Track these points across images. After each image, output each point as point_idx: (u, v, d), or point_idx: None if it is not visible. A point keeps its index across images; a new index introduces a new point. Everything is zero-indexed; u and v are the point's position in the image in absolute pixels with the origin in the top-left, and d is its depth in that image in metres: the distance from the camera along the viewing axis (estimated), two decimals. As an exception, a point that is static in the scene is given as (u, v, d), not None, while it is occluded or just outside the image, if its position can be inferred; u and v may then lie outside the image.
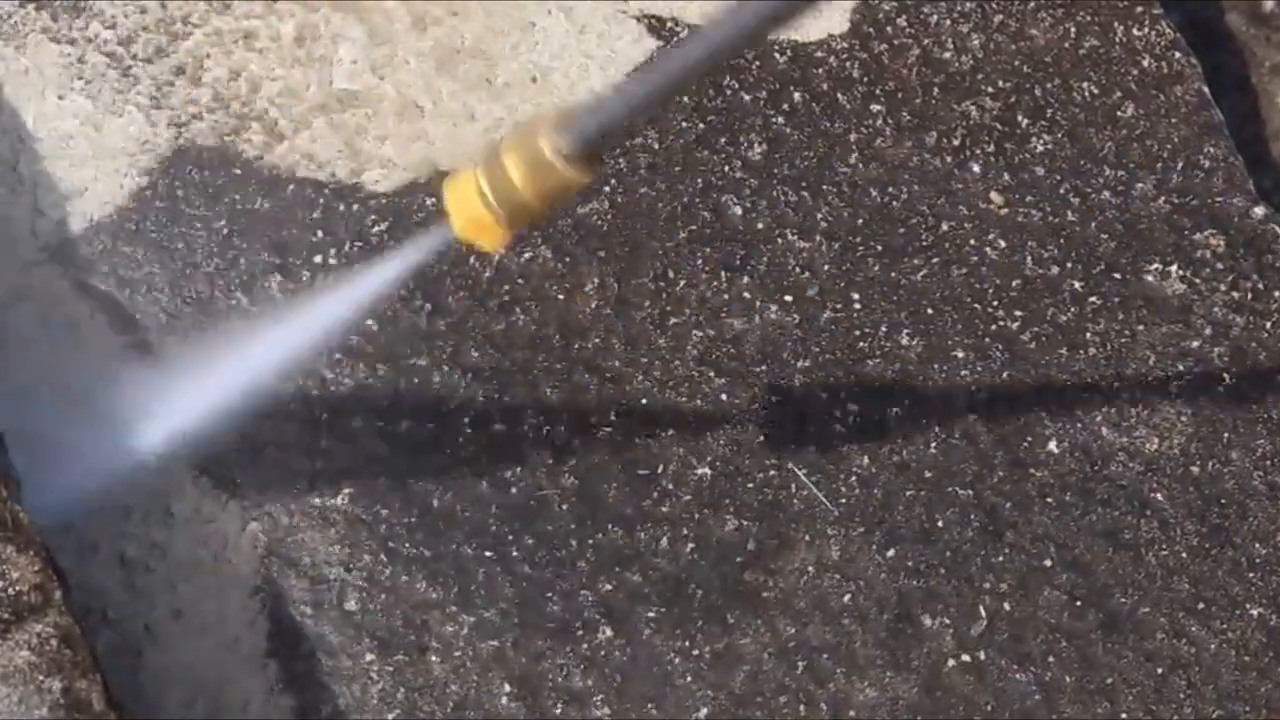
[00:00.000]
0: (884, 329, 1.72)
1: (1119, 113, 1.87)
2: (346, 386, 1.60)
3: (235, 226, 1.69)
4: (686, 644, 1.56)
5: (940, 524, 1.63)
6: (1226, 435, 1.70)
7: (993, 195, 1.80)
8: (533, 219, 1.23)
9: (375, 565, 1.54)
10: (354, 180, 1.74)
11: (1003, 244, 1.78)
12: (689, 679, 1.52)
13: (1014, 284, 1.76)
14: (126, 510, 1.57)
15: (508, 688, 1.50)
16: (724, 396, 1.67)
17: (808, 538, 1.61)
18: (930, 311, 1.73)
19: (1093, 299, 1.76)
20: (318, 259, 1.69)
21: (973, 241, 1.78)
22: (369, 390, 1.61)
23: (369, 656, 1.51)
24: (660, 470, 1.63)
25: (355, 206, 1.70)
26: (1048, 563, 1.62)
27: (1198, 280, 1.77)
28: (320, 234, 1.68)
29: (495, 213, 1.20)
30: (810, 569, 1.60)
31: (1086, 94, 1.88)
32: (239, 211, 1.70)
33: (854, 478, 1.64)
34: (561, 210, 1.30)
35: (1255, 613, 1.61)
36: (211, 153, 1.73)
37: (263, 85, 1.77)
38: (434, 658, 1.50)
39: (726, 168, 1.79)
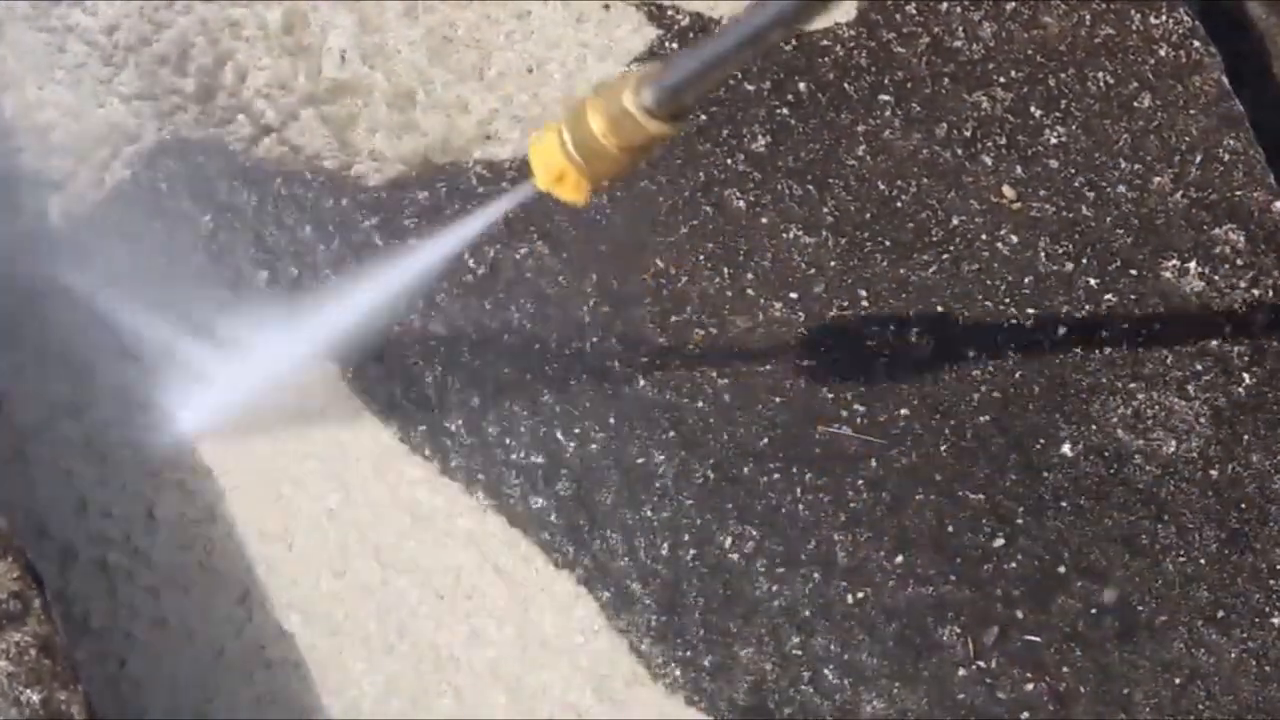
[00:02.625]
0: (892, 327, 1.69)
1: (1135, 104, 1.83)
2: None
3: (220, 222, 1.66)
4: (689, 654, 1.52)
5: (951, 529, 1.59)
6: (1247, 437, 1.65)
7: (1005, 189, 1.76)
8: (614, 171, 1.26)
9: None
10: (344, 173, 1.70)
11: (1015, 239, 1.74)
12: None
13: (1026, 281, 1.72)
14: (106, 511, 1.54)
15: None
16: (726, 397, 1.63)
17: (813, 544, 1.57)
18: (940, 309, 1.70)
19: (1108, 296, 1.72)
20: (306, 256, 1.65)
21: (984, 237, 1.74)
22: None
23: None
24: (661, 472, 1.59)
25: (344, 200, 1.67)
26: (1062, 569, 1.58)
27: (1217, 277, 1.73)
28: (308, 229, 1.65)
29: (577, 164, 1.24)
30: (816, 575, 1.56)
31: (1101, 84, 1.84)
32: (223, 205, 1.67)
33: (861, 481, 1.60)
34: (642, 163, 1.33)
35: (1277, 621, 1.57)
36: (197, 145, 1.69)
37: (249, 75, 1.73)
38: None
39: (729, 160, 1.75)
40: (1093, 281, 1.72)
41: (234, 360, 1.54)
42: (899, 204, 1.75)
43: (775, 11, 1.13)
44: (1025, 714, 1.51)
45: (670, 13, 1.81)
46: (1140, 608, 1.57)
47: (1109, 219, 1.76)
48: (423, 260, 1.55)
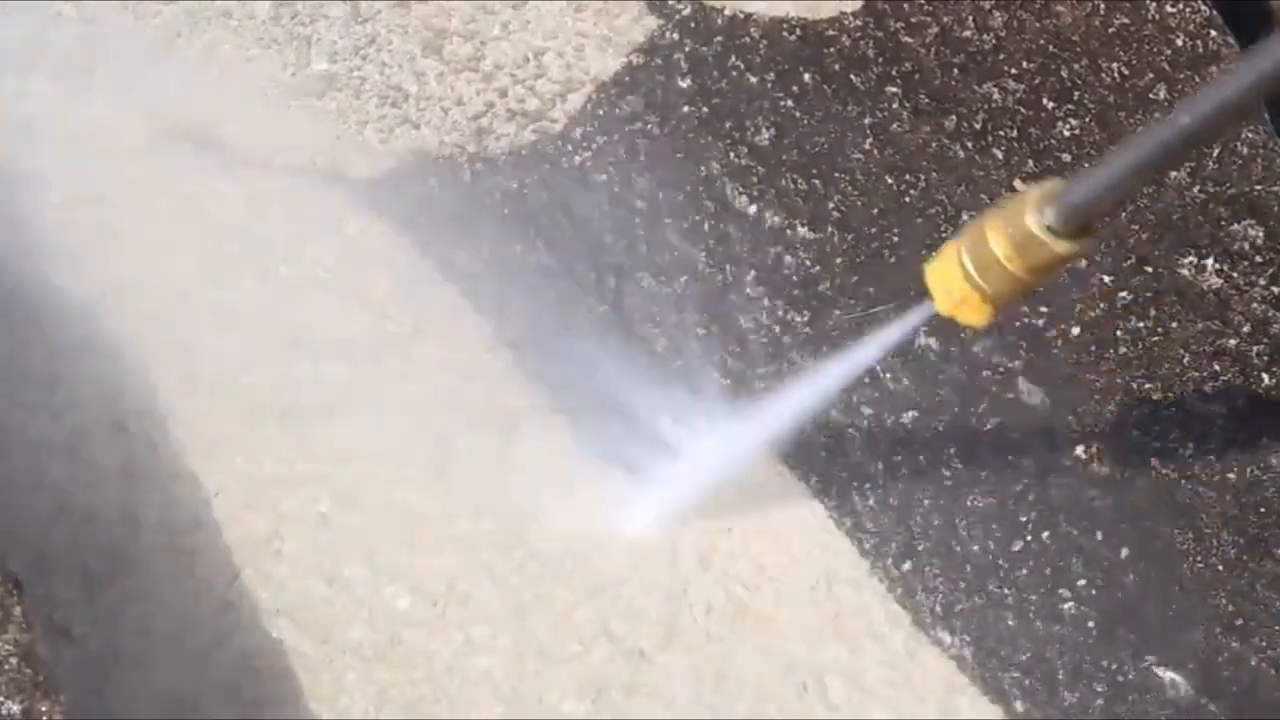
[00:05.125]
0: (900, 326, 1.65)
1: (1151, 95, 1.81)
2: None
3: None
4: (687, 664, 1.48)
5: (959, 535, 1.55)
6: (1265, 439, 1.62)
7: (1016, 183, 1.73)
8: (1018, 293, 1.22)
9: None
10: (335, 169, 1.66)
11: None
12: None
13: (1039, 278, 1.69)
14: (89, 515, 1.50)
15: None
16: (729, 398, 1.59)
17: (815, 550, 1.53)
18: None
19: (1123, 294, 1.68)
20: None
21: None
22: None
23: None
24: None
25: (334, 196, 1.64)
26: (1074, 577, 1.54)
27: (1235, 274, 1.70)
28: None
29: (980, 289, 1.22)
30: (820, 584, 1.52)
31: (1116, 75, 1.81)
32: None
33: (867, 485, 1.57)
34: (1050, 280, 1.35)
35: (1297, 630, 1.53)
36: (181, 137, 1.66)
37: (238, 66, 1.70)
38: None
39: (732, 154, 1.72)
40: (1107, 279, 1.69)
41: None
42: (907, 199, 1.72)
43: (1185, 126, 1.07)
44: (1036, 727, 1.47)
45: (671, 1, 1.79)
46: (1156, 616, 1.52)
47: (1124, 214, 1.72)
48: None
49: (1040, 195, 1.18)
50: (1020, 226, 1.18)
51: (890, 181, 1.73)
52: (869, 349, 1.48)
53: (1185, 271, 1.71)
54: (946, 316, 1.27)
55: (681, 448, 1.53)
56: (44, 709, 1.34)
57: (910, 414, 1.61)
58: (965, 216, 1.72)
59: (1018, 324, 1.67)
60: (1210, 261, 1.71)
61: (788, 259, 1.66)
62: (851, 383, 1.55)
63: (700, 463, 1.52)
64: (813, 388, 1.50)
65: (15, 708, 1.33)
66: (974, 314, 1.25)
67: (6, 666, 1.33)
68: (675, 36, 1.78)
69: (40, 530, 1.50)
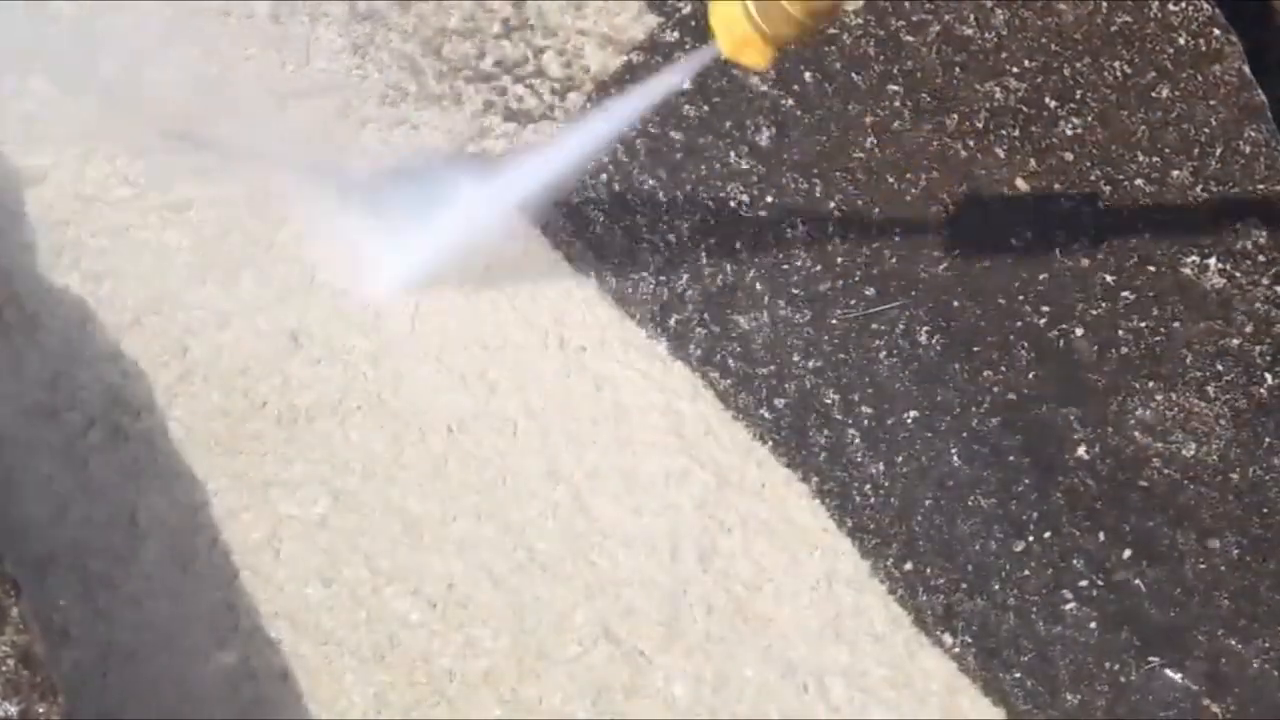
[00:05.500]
0: (901, 326, 1.65)
1: (1153, 94, 1.80)
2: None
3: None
4: (687, 665, 1.48)
5: (961, 536, 1.54)
6: (1269, 440, 1.61)
7: (1018, 182, 1.73)
8: (798, 37, 1.27)
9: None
10: (334, 168, 1.66)
11: (1029, 234, 1.70)
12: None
13: (1041, 277, 1.68)
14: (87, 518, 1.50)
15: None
16: (730, 398, 1.59)
17: (818, 552, 1.53)
18: (952, 307, 1.66)
19: (1125, 293, 1.68)
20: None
21: (997, 232, 1.70)
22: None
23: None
24: (657, 479, 1.55)
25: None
26: (1076, 578, 1.53)
27: (1238, 273, 1.69)
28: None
29: (761, 30, 1.26)
30: (821, 584, 1.51)
31: (1118, 73, 1.80)
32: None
33: (869, 486, 1.56)
34: (825, 29, 1.39)
35: (1300, 631, 1.52)
36: (180, 137, 1.65)
37: (236, 65, 1.69)
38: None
39: (732, 154, 1.71)
40: (1109, 278, 1.68)
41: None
42: (908, 198, 1.71)
43: None
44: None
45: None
46: (1159, 617, 1.52)
47: (1126, 213, 1.72)
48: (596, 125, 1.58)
49: None
50: None
51: (891, 180, 1.72)
52: (627, 105, 1.52)
53: (1188, 271, 1.70)
54: (729, 59, 1.30)
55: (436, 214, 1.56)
56: (42, 710, 1.34)
57: (912, 414, 1.60)
58: (968, 215, 1.71)
59: (1020, 324, 1.67)
60: (1213, 261, 1.70)
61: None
62: (604, 148, 1.60)
63: (451, 226, 1.55)
64: (563, 152, 1.54)
65: (13, 709, 1.32)
66: (754, 56, 1.28)
67: (4, 668, 1.33)
68: (676, 35, 1.78)
69: (38, 532, 1.49)
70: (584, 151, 1.56)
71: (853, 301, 1.66)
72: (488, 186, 1.57)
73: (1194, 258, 1.70)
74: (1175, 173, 1.75)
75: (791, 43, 1.28)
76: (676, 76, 1.51)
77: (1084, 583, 1.53)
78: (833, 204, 1.70)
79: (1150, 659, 1.49)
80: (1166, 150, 1.75)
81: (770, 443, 1.57)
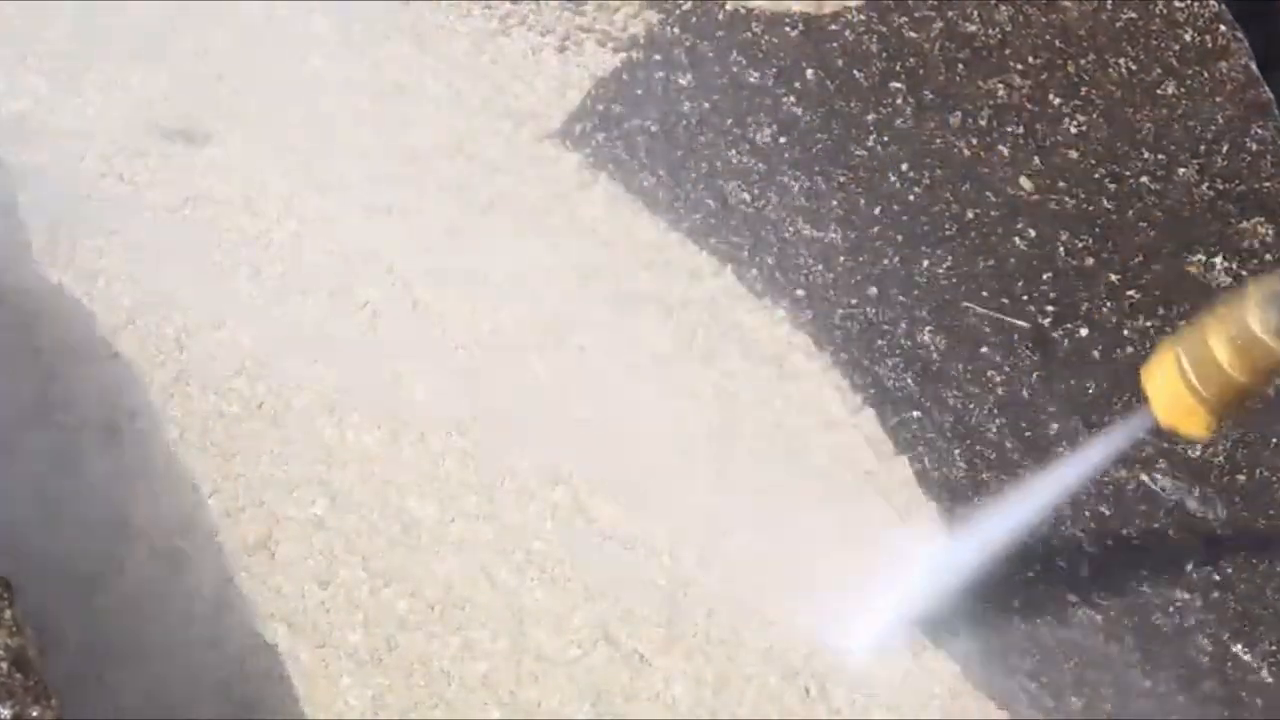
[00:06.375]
0: (903, 325, 1.64)
1: (1159, 91, 1.80)
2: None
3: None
4: (688, 668, 1.47)
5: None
6: (1275, 441, 1.60)
7: (1022, 180, 1.72)
8: (1242, 400, 1.19)
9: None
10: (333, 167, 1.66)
11: (1033, 233, 1.70)
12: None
13: (1045, 276, 1.68)
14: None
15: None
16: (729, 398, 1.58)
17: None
18: (955, 307, 1.65)
19: (1131, 292, 1.67)
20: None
21: (1000, 230, 1.70)
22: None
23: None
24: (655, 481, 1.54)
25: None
26: (1079, 580, 1.52)
27: (1244, 272, 1.68)
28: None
29: (1201, 398, 1.18)
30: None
31: (1123, 70, 1.80)
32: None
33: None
34: (1273, 385, 1.31)
35: (1307, 633, 1.51)
36: (177, 136, 1.65)
37: (228, 65, 1.68)
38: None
39: (733, 152, 1.71)
40: (1115, 277, 1.68)
41: None
42: (911, 197, 1.71)
43: None
44: (1043, 732, 1.45)
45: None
46: (1163, 621, 1.51)
47: (1131, 212, 1.71)
48: None
49: (1263, 296, 1.14)
50: (1244, 330, 1.14)
51: (894, 179, 1.71)
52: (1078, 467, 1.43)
53: (1194, 269, 1.70)
54: (1166, 427, 1.22)
55: None
56: (35, 714, 1.32)
57: (913, 413, 1.59)
58: (970, 214, 1.71)
59: (1025, 325, 1.66)
60: (1219, 259, 1.69)
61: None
62: None
63: None
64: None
65: (6, 712, 1.31)
66: (1194, 423, 1.20)
67: (-4, 672, 1.32)
68: (676, 32, 1.78)
69: (32, 533, 1.48)
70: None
71: (854, 301, 1.65)
72: None
73: (1200, 256, 1.69)
74: (1181, 170, 1.74)
75: (1235, 408, 1.19)
76: (1128, 436, 1.40)
77: (1087, 585, 1.51)
78: (835, 202, 1.70)
79: (1153, 661, 1.48)
80: (1172, 147, 1.75)
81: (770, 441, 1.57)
